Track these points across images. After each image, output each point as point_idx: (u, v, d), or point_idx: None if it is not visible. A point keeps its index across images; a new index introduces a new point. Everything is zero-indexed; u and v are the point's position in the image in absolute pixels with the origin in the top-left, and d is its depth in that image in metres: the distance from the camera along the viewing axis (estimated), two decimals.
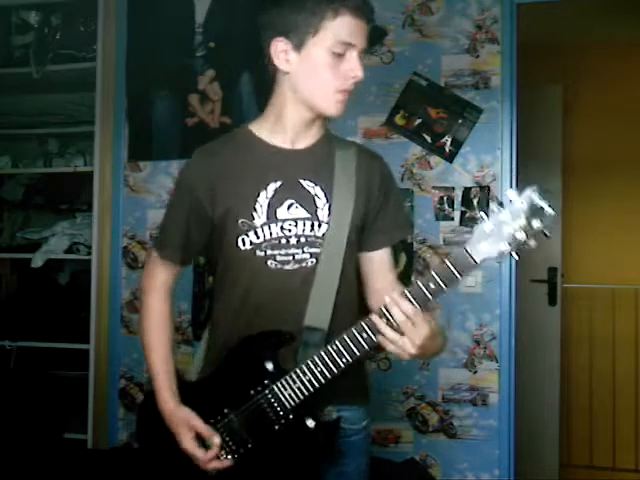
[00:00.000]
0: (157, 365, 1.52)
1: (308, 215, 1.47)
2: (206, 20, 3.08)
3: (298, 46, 1.41)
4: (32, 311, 3.34)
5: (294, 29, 1.40)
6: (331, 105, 1.46)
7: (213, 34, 3.08)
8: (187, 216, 1.51)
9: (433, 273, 1.28)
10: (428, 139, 2.85)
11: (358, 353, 1.34)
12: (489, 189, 2.79)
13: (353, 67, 1.42)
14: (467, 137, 2.81)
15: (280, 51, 1.43)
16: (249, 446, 1.42)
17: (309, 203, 1.47)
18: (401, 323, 1.29)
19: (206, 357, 1.60)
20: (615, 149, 4.02)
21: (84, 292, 3.16)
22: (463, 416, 2.80)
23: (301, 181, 1.48)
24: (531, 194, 1.21)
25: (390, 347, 1.30)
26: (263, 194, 1.46)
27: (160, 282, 1.58)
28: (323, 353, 1.36)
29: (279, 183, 1.47)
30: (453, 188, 2.83)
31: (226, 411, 1.44)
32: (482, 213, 1.26)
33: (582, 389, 4.03)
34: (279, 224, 1.46)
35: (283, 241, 1.46)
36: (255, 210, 1.45)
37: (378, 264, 1.58)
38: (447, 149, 2.83)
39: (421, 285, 1.29)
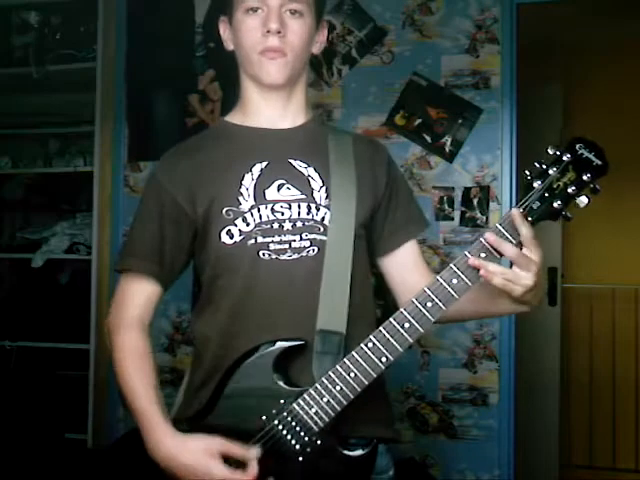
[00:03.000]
0: (144, 402, 1.23)
1: (303, 196, 1.28)
2: (206, 20, 3.07)
3: (230, 20, 1.33)
4: (32, 311, 3.34)
5: (226, 4, 1.33)
6: (261, 70, 1.29)
7: (213, 34, 3.07)
8: (161, 223, 1.30)
9: (481, 239, 1.14)
10: (428, 139, 2.85)
11: (411, 339, 1.15)
12: (489, 189, 2.79)
13: (265, 19, 1.26)
14: (467, 137, 2.81)
15: (223, 32, 1.36)
16: None
17: (303, 184, 1.29)
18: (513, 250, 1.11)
19: (191, 389, 1.33)
20: (615, 149, 3.96)
21: (84, 292, 3.15)
22: (463, 416, 2.80)
23: (291, 161, 1.31)
24: (577, 145, 1.11)
25: (497, 281, 1.13)
26: (248, 176, 1.28)
27: (132, 316, 1.29)
28: (364, 347, 1.16)
29: (265, 163, 1.29)
30: (453, 188, 2.83)
31: None
32: (528, 171, 1.13)
33: (582, 389, 4.03)
34: (269, 206, 1.27)
35: (276, 226, 1.26)
36: (241, 194, 1.27)
37: (406, 261, 1.39)
38: (447, 149, 2.83)
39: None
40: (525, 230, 1.12)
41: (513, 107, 2.78)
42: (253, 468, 1.15)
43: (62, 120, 3.34)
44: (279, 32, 1.26)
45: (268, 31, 1.26)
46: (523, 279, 1.13)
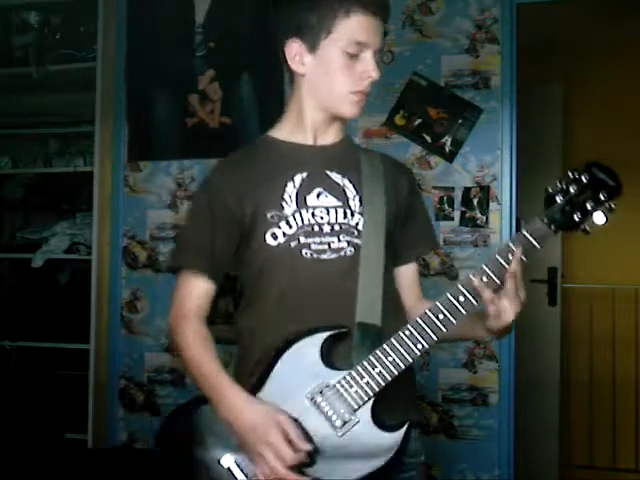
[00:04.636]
0: (216, 377, 1.34)
1: (339, 203, 1.42)
2: (206, 20, 3.08)
3: (312, 47, 1.39)
4: (32, 311, 3.34)
5: (307, 29, 1.38)
6: (346, 106, 1.43)
7: (213, 34, 3.08)
8: (213, 225, 1.43)
9: (509, 244, 1.28)
10: (428, 139, 2.85)
11: (444, 329, 1.27)
12: (489, 189, 2.79)
13: (367, 68, 1.39)
14: (467, 137, 2.81)
15: (295, 53, 1.41)
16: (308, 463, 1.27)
17: (339, 193, 1.43)
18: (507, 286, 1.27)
19: (241, 377, 1.40)
20: (615, 149, 4.01)
21: (84, 292, 3.16)
22: (463, 416, 2.80)
23: (328, 172, 1.45)
24: (593, 168, 1.26)
25: (491, 309, 1.27)
26: (290, 184, 1.42)
27: (191, 309, 1.42)
28: (402, 334, 1.28)
29: (305, 174, 1.43)
30: (453, 188, 2.83)
31: None
32: (550, 188, 1.27)
33: (582, 389, 4.03)
34: (310, 211, 1.41)
35: (316, 228, 1.40)
36: (284, 200, 1.41)
37: (405, 280, 1.53)
38: (447, 149, 2.83)
39: (499, 257, 1.28)
40: (517, 267, 1.27)
41: (513, 107, 2.79)
42: (300, 457, 1.24)
43: (62, 120, 3.34)
44: None
45: (368, 77, 1.39)
46: (507, 314, 1.28)
